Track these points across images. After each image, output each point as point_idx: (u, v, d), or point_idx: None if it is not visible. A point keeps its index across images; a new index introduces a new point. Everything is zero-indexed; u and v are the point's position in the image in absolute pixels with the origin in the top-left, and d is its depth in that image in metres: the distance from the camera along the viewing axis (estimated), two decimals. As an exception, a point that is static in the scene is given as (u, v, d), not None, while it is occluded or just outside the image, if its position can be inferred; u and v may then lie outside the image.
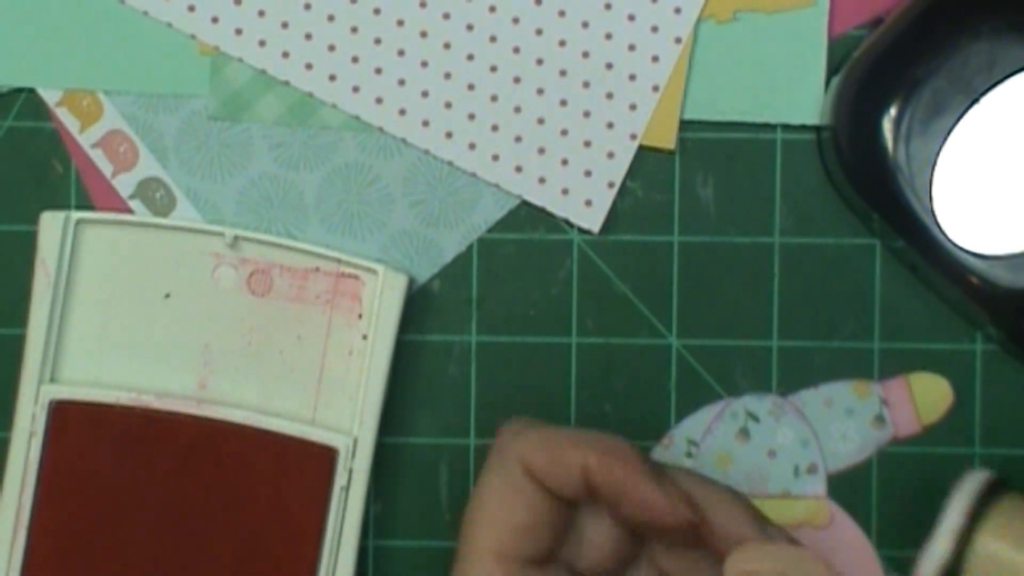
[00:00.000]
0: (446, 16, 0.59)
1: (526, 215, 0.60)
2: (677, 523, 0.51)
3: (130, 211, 0.60)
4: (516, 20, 0.59)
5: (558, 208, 0.59)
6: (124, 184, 0.60)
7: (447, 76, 0.59)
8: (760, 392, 0.60)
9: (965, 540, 0.54)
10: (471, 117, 0.59)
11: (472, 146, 0.59)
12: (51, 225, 0.58)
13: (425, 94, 0.59)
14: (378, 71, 0.59)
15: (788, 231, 0.60)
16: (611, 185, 0.59)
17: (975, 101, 0.56)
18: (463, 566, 0.53)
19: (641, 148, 0.59)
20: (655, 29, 0.59)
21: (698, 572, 0.53)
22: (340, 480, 0.58)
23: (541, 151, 0.59)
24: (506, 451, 0.53)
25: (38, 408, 0.58)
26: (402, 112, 0.59)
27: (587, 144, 0.59)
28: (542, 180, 0.59)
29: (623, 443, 0.53)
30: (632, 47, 0.59)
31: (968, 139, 0.56)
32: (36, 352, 0.58)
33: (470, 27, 0.59)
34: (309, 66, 0.59)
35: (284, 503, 0.58)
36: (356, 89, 0.59)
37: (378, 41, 0.59)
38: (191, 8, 0.59)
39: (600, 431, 0.54)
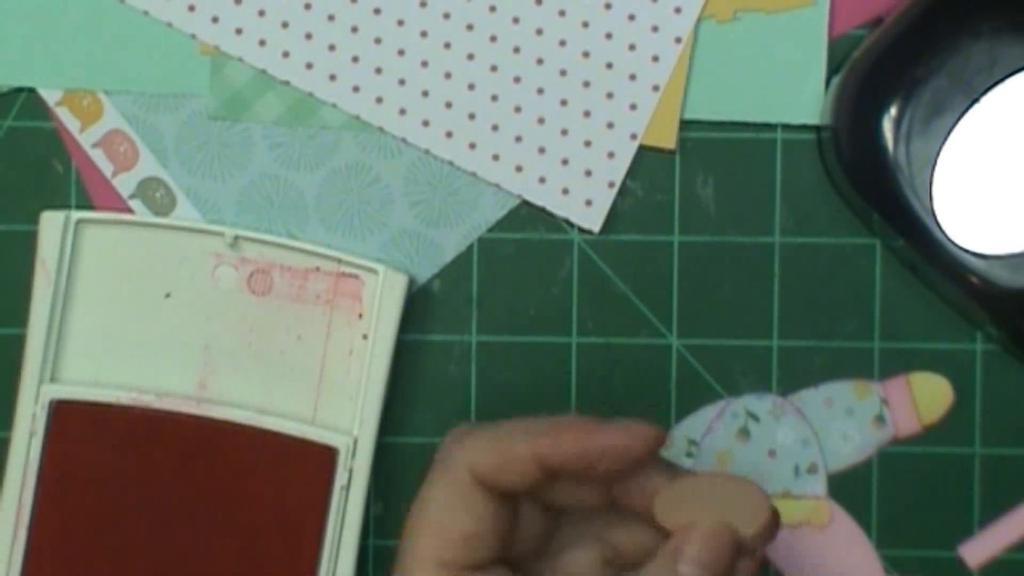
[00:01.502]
0: (446, 16, 0.59)
1: (526, 215, 0.60)
2: (649, 446, 0.51)
3: (130, 211, 0.60)
4: (516, 20, 0.59)
5: (558, 208, 0.59)
6: (124, 184, 0.60)
7: (447, 76, 0.59)
8: (760, 392, 0.60)
9: None
10: (471, 117, 0.59)
11: (472, 146, 0.59)
12: (51, 225, 0.58)
13: (425, 94, 0.59)
14: (378, 71, 0.59)
15: (788, 231, 0.60)
16: (611, 185, 0.59)
17: (975, 101, 0.56)
18: None
19: (641, 148, 0.59)
20: (655, 29, 0.59)
21: (644, 541, 0.53)
22: (340, 480, 0.58)
23: (541, 151, 0.59)
24: (452, 459, 0.53)
25: (38, 408, 0.58)
26: (402, 112, 0.59)
27: (587, 144, 0.59)
28: (542, 180, 0.59)
29: (564, 417, 0.53)
30: (632, 47, 0.59)
31: (968, 139, 0.56)
32: (36, 352, 0.58)
33: (470, 27, 0.59)
34: (309, 66, 0.59)
35: (284, 503, 0.58)
36: (356, 89, 0.59)
37: (378, 41, 0.59)
38: (191, 8, 0.59)
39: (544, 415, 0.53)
